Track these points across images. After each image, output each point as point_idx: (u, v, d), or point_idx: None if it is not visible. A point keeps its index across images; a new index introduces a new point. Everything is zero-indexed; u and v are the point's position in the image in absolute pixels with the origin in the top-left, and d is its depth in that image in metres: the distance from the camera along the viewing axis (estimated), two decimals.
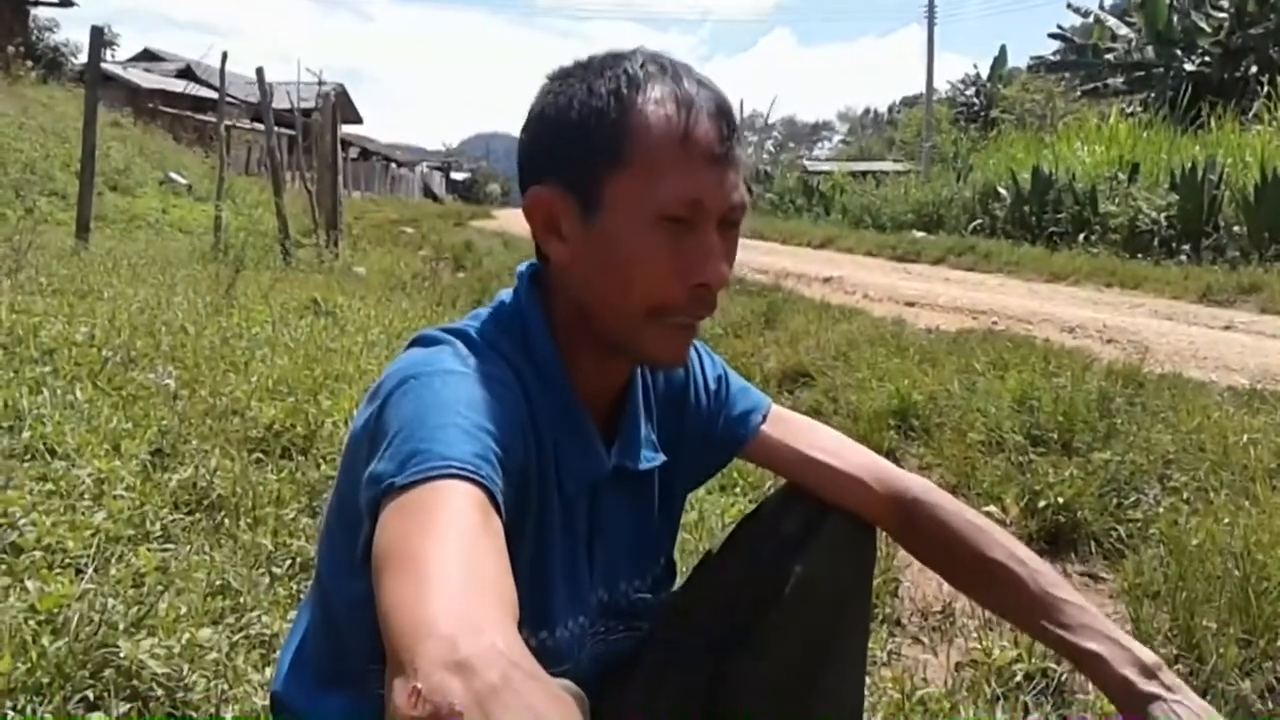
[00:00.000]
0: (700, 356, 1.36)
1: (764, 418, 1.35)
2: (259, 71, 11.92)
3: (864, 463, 1.35)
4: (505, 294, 1.21)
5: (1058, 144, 19.36)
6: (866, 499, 1.32)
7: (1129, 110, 21.38)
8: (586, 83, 1.10)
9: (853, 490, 1.32)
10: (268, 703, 1.65)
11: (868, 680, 1.94)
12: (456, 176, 68.26)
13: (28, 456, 2.78)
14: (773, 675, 1.27)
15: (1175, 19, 21.94)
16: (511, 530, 0.91)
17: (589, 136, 1.08)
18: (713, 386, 1.35)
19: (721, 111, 1.10)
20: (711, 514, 2.97)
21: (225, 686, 1.79)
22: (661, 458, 1.26)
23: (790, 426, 1.37)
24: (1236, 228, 12.51)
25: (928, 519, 1.31)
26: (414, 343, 1.15)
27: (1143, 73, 23.00)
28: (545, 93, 1.13)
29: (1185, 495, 3.23)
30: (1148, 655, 1.18)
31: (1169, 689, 1.15)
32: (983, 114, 34.45)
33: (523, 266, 1.22)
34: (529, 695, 0.69)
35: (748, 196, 1.14)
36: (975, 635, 2.38)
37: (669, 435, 1.29)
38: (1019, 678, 2.15)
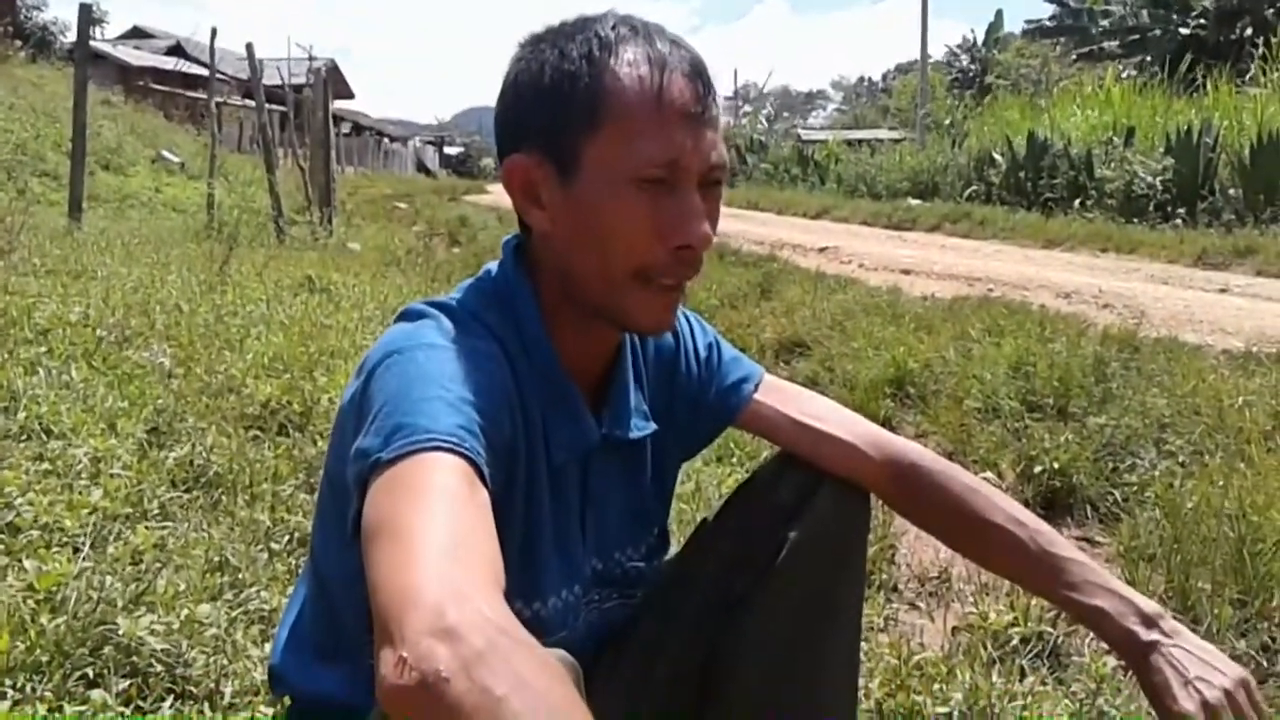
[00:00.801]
0: (691, 325, 1.35)
1: (756, 386, 1.35)
2: (249, 48, 11.83)
3: (859, 429, 1.35)
4: (491, 266, 1.21)
5: (1053, 109, 19.27)
6: (863, 465, 1.32)
7: (1124, 74, 21.28)
8: (558, 47, 1.10)
9: (849, 456, 1.32)
10: (267, 677, 1.66)
11: (865, 646, 1.96)
12: (450, 151, 67.91)
13: (24, 437, 2.78)
14: (769, 643, 1.27)
15: None
16: (500, 503, 0.91)
17: (563, 101, 1.07)
18: (704, 355, 1.34)
19: (696, 71, 1.10)
20: (708, 484, 2.98)
21: (225, 662, 1.79)
22: (653, 426, 1.26)
23: (784, 394, 1.37)
24: (1232, 191, 12.48)
25: (925, 484, 1.32)
26: (400, 317, 1.15)
27: (1138, 36, 22.88)
28: (517, 60, 1.13)
29: (1181, 459, 3.24)
30: (1148, 605, 1.20)
31: (1168, 635, 1.17)
32: (978, 80, 34.30)
33: (509, 238, 1.21)
34: (516, 660, 0.69)
35: (727, 156, 1.13)
36: (972, 600, 2.39)
37: (661, 404, 1.29)
38: (1015, 641, 2.17)
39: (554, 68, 1.09)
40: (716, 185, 1.12)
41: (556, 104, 1.08)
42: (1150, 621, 1.18)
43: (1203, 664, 1.15)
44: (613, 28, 1.10)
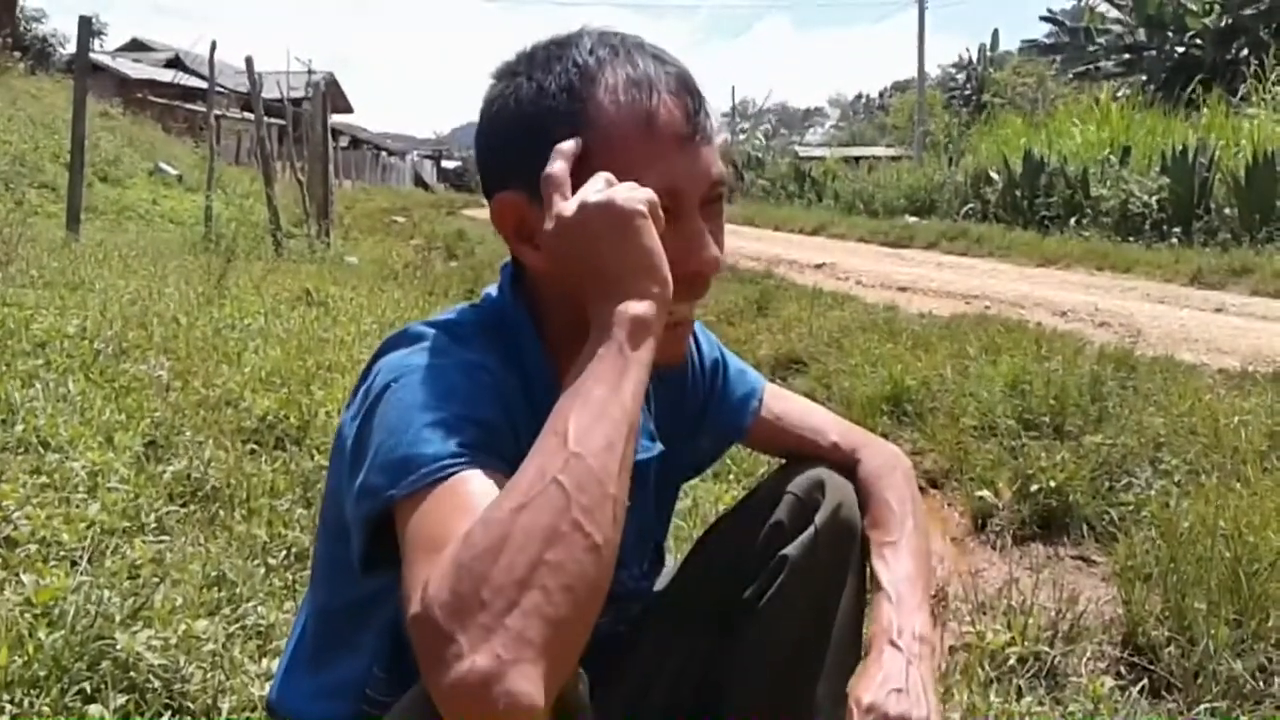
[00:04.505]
0: (697, 339, 1.35)
1: (760, 402, 1.37)
2: (248, 61, 11.86)
3: (828, 426, 1.40)
4: (491, 289, 1.18)
5: (1050, 127, 19.34)
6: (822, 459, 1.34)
7: (1120, 93, 21.38)
8: (534, 80, 1.04)
9: (824, 456, 1.35)
10: (264, 693, 1.66)
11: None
12: (447, 165, 67.81)
13: (21, 450, 2.77)
14: (766, 663, 1.27)
15: (1165, 1, 21.93)
16: None
17: (548, 139, 1.01)
18: (710, 370, 1.35)
19: (684, 86, 1.05)
20: (705, 501, 2.98)
21: (222, 677, 1.79)
22: (659, 447, 1.24)
23: (783, 404, 1.40)
24: (1228, 210, 12.51)
25: (861, 489, 1.33)
26: (399, 337, 1.10)
27: (1134, 55, 23.00)
28: (495, 95, 1.07)
29: (1176, 478, 3.24)
30: (926, 627, 1.21)
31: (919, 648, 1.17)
32: (975, 98, 34.40)
33: (507, 263, 1.18)
34: None
35: (725, 170, 1.10)
36: (969, 619, 2.39)
37: (666, 424, 1.28)
38: (1012, 661, 2.16)
39: (533, 103, 1.03)
40: (717, 201, 1.08)
41: (541, 142, 1.01)
42: (920, 638, 1.18)
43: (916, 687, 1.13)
44: (591, 52, 1.04)
